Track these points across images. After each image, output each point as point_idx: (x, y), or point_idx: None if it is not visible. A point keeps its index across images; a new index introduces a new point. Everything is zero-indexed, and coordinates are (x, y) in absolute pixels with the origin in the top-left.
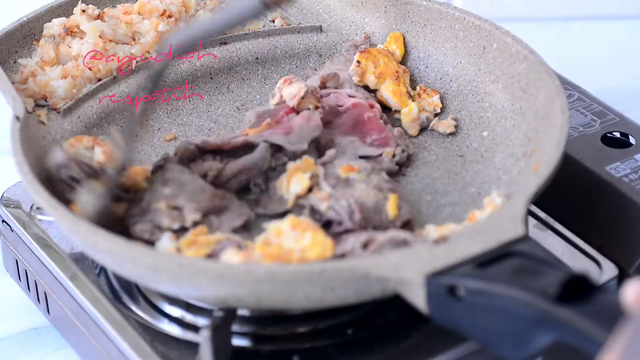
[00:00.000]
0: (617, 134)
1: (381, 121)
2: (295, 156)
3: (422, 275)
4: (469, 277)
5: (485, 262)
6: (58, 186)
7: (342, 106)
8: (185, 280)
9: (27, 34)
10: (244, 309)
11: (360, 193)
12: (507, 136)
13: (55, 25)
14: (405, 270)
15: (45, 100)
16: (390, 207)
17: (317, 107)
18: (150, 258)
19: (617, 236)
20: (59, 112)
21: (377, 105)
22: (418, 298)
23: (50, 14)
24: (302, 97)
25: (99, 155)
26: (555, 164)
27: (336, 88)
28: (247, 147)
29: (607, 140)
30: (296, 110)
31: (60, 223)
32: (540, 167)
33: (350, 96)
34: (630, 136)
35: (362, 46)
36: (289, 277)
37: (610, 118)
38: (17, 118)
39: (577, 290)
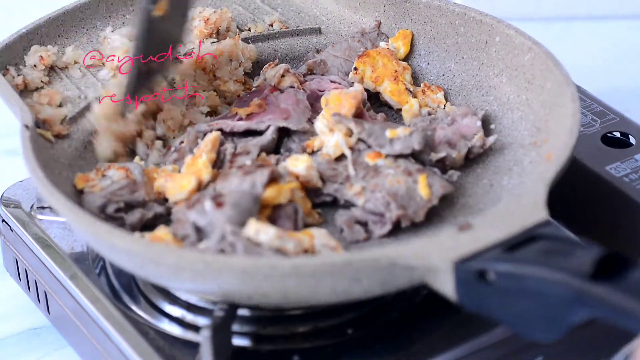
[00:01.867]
0: (617, 134)
1: (364, 108)
2: (300, 140)
3: (449, 262)
4: (498, 260)
5: (512, 246)
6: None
7: (323, 91)
8: (209, 278)
9: (26, 45)
10: (270, 306)
11: (391, 180)
12: (514, 128)
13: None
14: (432, 257)
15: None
16: (422, 188)
17: (299, 88)
18: (173, 257)
19: (617, 236)
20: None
21: (360, 95)
22: (446, 285)
23: (48, 25)
24: (282, 75)
25: (117, 175)
26: (569, 151)
27: (323, 75)
28: (251, 133)
29: (607, 140)
30: (278, 89)
31: (79, 226)
32: (554, 155)
33: (332, 82)
34: (630, 136)
35: (370, 34)
36: (315, 270)
37: (610, 118)
38: (27, 127)
39: (609, 268)
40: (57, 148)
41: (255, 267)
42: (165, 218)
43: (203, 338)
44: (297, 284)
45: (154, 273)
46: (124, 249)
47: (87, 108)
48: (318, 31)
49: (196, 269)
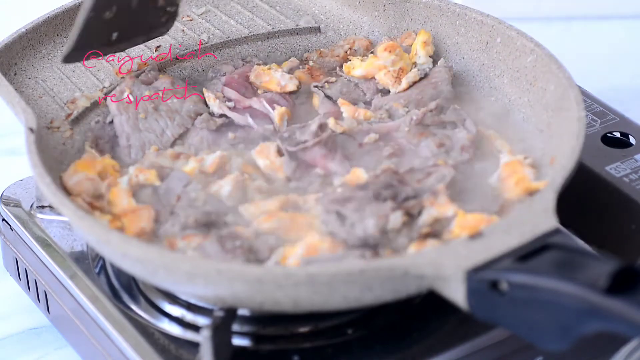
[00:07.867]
0: (617, 134)
1: None
2: None
3: (462, 271)
4: (511, 271)
5: (525, 255)
6: None
7: None
8: (222, 286)
9: (25, 45)
10: (281, 312)
11: None
12: (517, 130)
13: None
14: (445, 266)
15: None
16: None
17: None
18: (186, 265)
19: (617, 236)
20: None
21: None
22: (457, 294)
23: (47, 24)
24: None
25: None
26: (577, 156)
27: None
28: None
29: (607, 140)
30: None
31: (89, 233)
32: (560, 159)
33: None
34: (630, 136)
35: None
36: (329, 279)
37: (610, 118)
38: (31, 130)
39: (623, 281)
40: (61, 150)
41: (269, 276)
42: None
43: (203, 338)
44: (310, 292)
45: (166, 280)
46: (137, 257)
47: (90, 109)
48: (317, 30)
49: (209, 277)
